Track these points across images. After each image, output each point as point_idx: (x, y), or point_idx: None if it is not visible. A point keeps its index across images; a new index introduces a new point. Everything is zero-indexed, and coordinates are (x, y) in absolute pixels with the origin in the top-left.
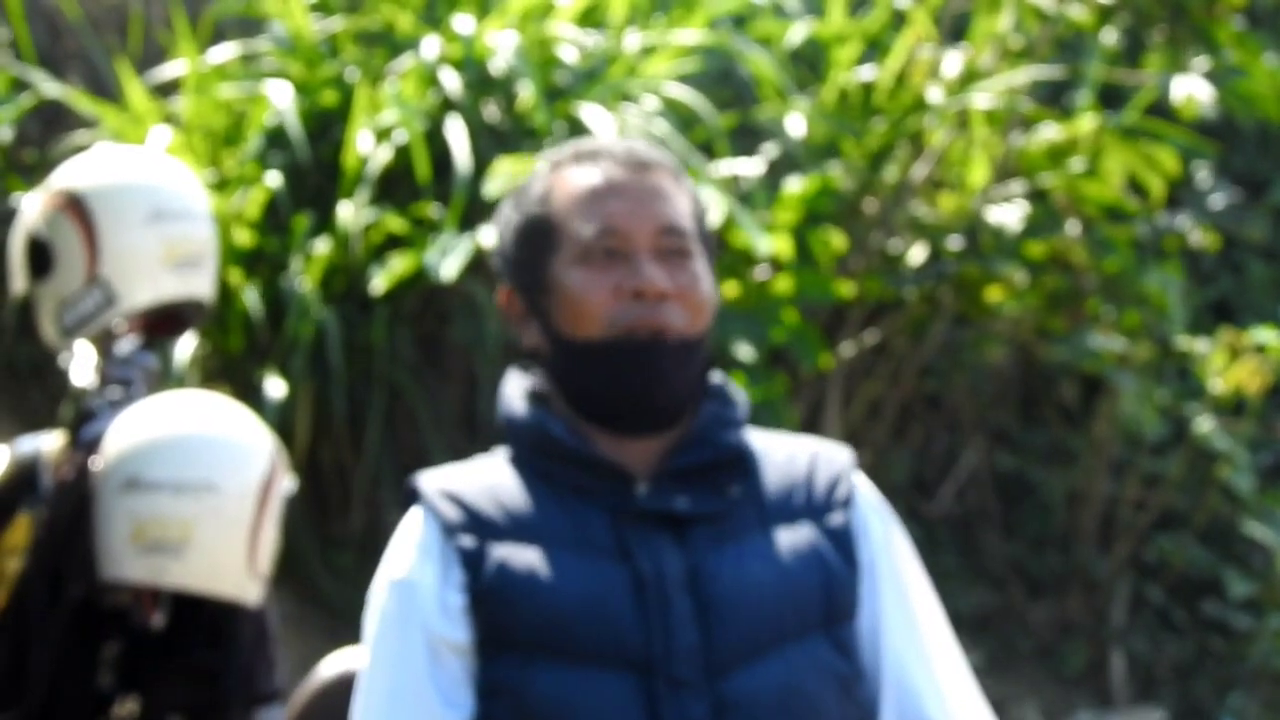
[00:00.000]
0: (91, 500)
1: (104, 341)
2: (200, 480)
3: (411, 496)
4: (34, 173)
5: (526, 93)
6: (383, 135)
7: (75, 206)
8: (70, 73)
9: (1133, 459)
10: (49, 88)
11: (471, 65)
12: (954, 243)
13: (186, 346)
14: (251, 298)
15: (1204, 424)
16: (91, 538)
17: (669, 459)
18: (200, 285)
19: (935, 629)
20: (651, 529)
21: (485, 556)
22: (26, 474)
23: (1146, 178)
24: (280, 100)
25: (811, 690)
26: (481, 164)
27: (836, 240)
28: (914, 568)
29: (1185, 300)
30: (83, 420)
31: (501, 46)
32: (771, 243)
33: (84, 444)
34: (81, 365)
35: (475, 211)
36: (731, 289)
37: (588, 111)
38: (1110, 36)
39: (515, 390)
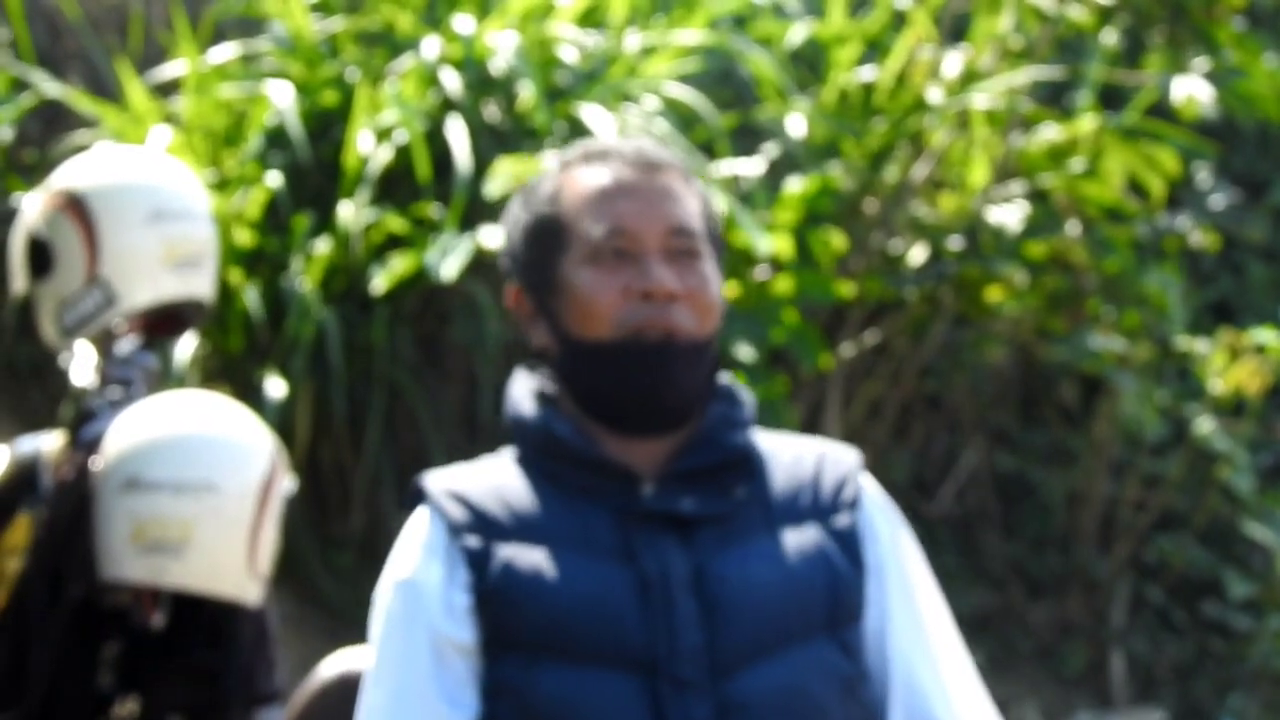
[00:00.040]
0: (91, 500)
1: (104, 341)
2: (200, 480)
3: (417, 496)
4: (34, 173)
5: (527, 93)
6: (383, 135)
7: (75, 206)
8: (70, 73)
9: (1133, 459)
10: (49, 88)
11: (472, 65)
12: (954, 243)
13: (186, 346)
14: (252, 298)
15: (1204, 425)
16: (91, 538)
17: (675, 460)
18: (200, 285)
19: (942, 630)
20: (657, 530)
21: (490, 557)
22: (26, 474)
23: (1147, 178)
24: (281, 100)
25: (815, 691)
26: (482, 164)
27: (837, 240)
28: (921, 569)
29: (1185, 301)
30: (83, 420)
31: (502, 47)
32: (772, 243)
33: (84, 444)
34: (81, 365)
35: (475, 212)
36: (732, 289)
37: (588, 112)
38: (1110, 37)
39: (522, 390)
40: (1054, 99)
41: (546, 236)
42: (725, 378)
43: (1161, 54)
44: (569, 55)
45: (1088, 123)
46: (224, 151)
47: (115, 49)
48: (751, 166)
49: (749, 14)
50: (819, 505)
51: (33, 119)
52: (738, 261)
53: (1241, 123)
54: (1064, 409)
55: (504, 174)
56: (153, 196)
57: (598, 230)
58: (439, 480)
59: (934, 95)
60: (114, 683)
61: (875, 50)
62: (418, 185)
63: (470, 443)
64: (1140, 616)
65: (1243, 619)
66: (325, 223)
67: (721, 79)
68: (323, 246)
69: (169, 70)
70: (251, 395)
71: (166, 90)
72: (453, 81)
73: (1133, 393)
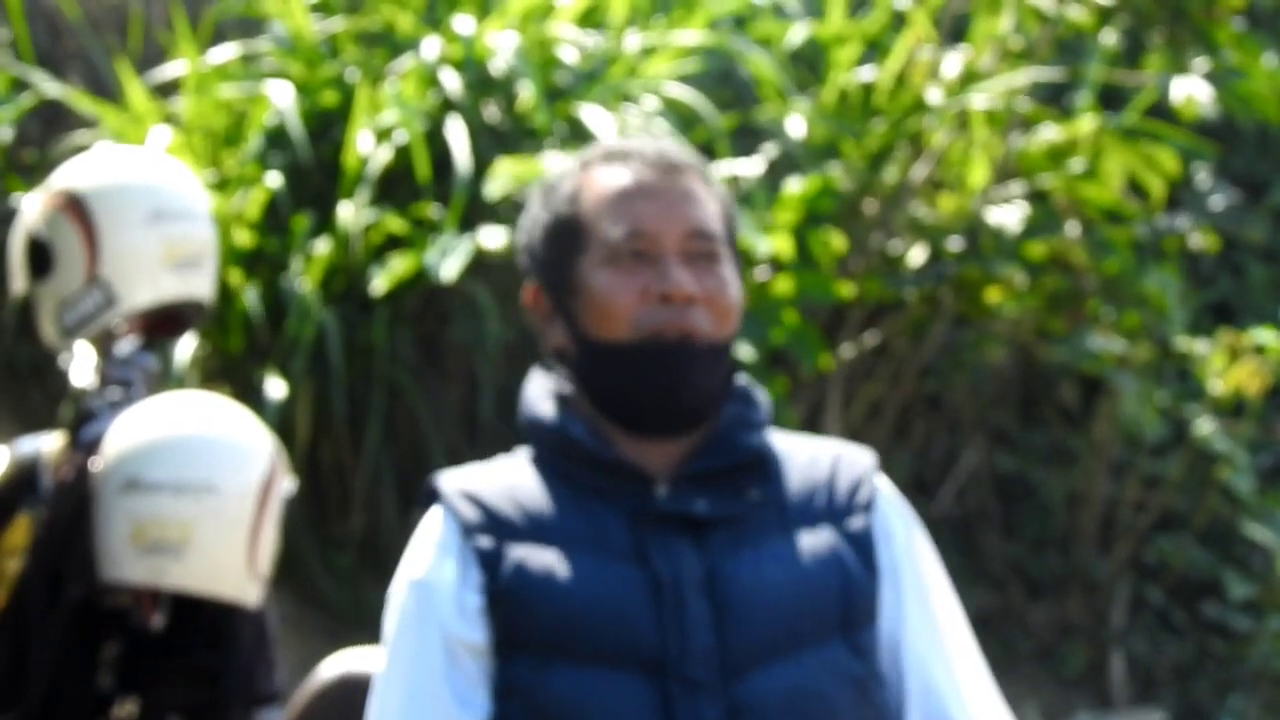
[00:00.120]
0: (91, 501)
1: (104, 342)
2: (200, 481)
3: (431, 496)
4: (34, 173)
5: (527, 93)
6: (383, 135)
7: (75, 207)
8: (70, 73)
9: (1133, 460)
10: (49, 88)
11: (472, 66)
12: (954, 244)
13: (186, 347)
14: (251, 298)
15: (1204, 425)
16: (91, 538)
17: (689, 461)
18: (200, 285)
19: (956, 631)
20: (670, 531)
21: (503, 557)
22: (26, 474)
23: (1146, 179)
24: (281, 100)
25: (827, 693)
26: (482, 164)
27: (836, 241)
28: (936, 570)
29: (1185, 301)
30: (83, 421)
31: (502, 47)
32: (771, 243)
33: (84, 445)
34: (81, 366)
35: (475, 212)
36: None
37: (588, 112)
38: (1110, 38)
39: (538, 390)
40: (1054, 99)
41: (565, 236)
42: (742, 379)
43: (1161, 54)
44: (569, 55)
45: (1087, 123)
46: (224, 152)
47: (115, 49)
48: (751, 167)
49: (749, 14)
50: (833, 507)
51: (33, 119)
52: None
53: (1241, 123)
54: (1064, 409)
55: (504, 174)
56: (153, 197)
57: (617, 231)
58: (452, 480)
59: (933, 96)
60: (114, 683)
61: (875, 51)
62: (417, 185)
63: (470, 443)
64: (1140, 617)
65: (1243, 620)
66: (325, 223)
67: (721, 79)
68: (322, 247)
69: (169, 70)
70: (251, 396)
71: (166, 90)
72: (453, 82)
73: (1133, 393)
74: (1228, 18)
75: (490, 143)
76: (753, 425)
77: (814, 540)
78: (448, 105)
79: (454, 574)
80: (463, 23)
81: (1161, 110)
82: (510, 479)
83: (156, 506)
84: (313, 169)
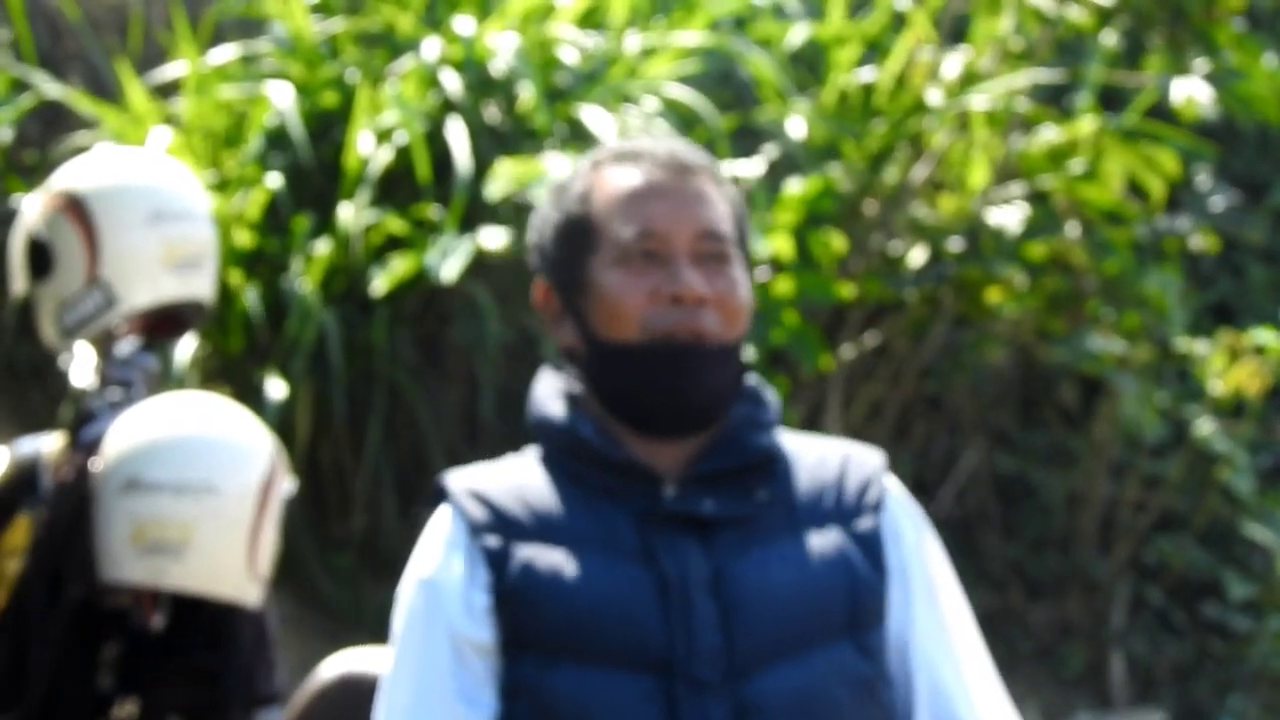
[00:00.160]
0: (91, 501)
1: (104, 343)
2: (200, 482)
3: (440, 495)
4: (34, 174)
5: (527, 94)
6: (383, 136)
7: (75, 208)
8: (71, 73)
9: (1133, 461)
10: (49, 88)
11: (472, 66)
12: (954, 244)
13: (186, 348)
14: (252, 299)
15: (1204, 426)
16: (91, 539)
17: (698, 462)
18: (200, 286)
19: (965, 632)
20: (678, 532)
21: (510, 557)
22: (26, 475)
23: (1147, 180)
24: (281, 101)
25: (833, 694)
26: (482, 165)
27: (837, 242)
28: (945, 570)
29: (1185, 302)
30: (83, 421)
31: (502, 48)
32: (772, 244)
33: (84, 445)
34: (81, 366)
35: (476, 213)
36: None
37: (588, 113)
38: (1110, 38)
39: (547, 390)
40: (1054, 100)
41: (576, 236)
42: (752, 378)
43: (1161, 55)
44: (569, 56)
45: (1087, 124)
46: (224, 152)
47: (115, 50)
48: (751, 168)
49: (749, 15)
50: (842, 508)
51: (33, 120)
52: None
53: (1241, 124)
54: (1064, 410)
55: (504, 175)
56: (153, 198)
57: (628, 232)
58: (461, 479)
59: (934, 97)
60: (114, 684)
61: (875, 52)
62: (418, 186)
63: (470, 443)
64: (1140, 617)
65: (1242, 620)
66: (325, 224)
67: (721, 80)
68: (323, 247)
69: (169, 71)
70: (251, 396)
71: (166, 91)
72: (453, 83)
73: (1133, 394)
74: (1228, 19)
75: (490, 143)
76: (762, 425)
77: (822, 541)
78: (448, 106)
79: (461, 573)
80: (463, 23)
81: (1162, 111)
82: (518, 478)
83: (156, 507)
84: (313, 170)
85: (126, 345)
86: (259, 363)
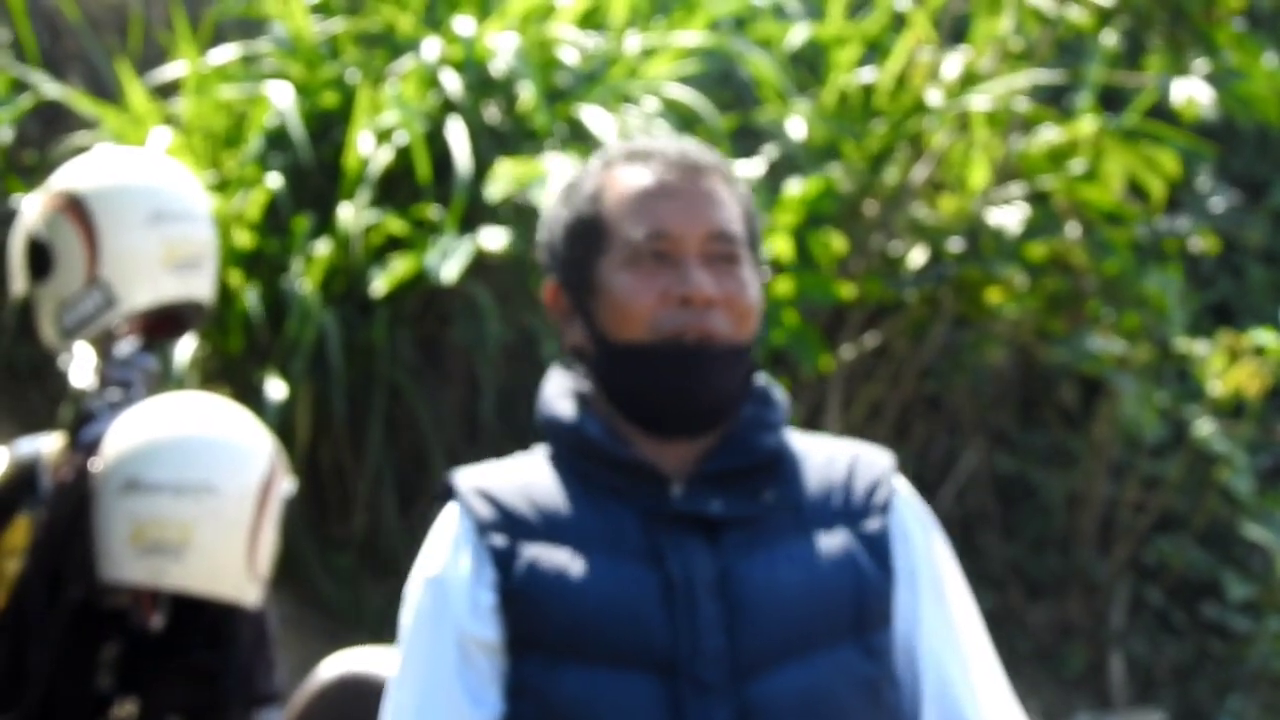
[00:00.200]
0: (91, 502)
1: (104, 343)
2: (200, 482)
3: (447, 493)
4: (34, 174)
5: (527, 94)
6: (383, 137)
7: (75, 208)
8: (70, 74)
9: (1132, 461)
10: (49, 89)
11: (472, 67)
12: (954, 245)
13: (186, 348)
14: (252, 299)
15: (1203, 426)
16: (91, 539)
17: (705, 462)
18: (200, 287)
19: (973, 633)
20: (684, 532)
21: (516, 556)
22: (26, 475)
23: (1147, 180)
24: (281, 101)
25: (839, 695)
26: (482, 166)
27: (837, 242)
28: (953, 571)
29: (1185, 303)
30: (82, 422)
31: (502, 48)
32: (772, 245)
33: (83, 445)
34: (81, 367)
35: (476, 213)
36: None
37: (588, 113)
38: (1110, 39)
39: (556, 389)
40: (1054, 101)
41: (586, 236)
42: (761, 378)
43: (1161, 56)
44: (569, 57)
45: (1088, 124)
46: (224, 153)
47: (115, 50)
48: (751, 168)
49: (749, 16)
50: (850, 509)
51: (33, 120)
52: None
53: (1241, 125)
54: (1064, 410)
55: (504, 176)
56: (153, 198)
57: (638, 232)
58: (468, 477)
59: (934, 97)
60: (113, 684)
61: (875, 52)
62: (418, 187)
63: (470, 444)
64: (1140, 618)
65: (1242, 620)
66: (325, 224)
67: (721, 80)
68: (323, 248)
69: (169, 71)
70: (251, 397)
71: (166, 91)
72: (453, 83)
73: (1132, 394)
74: (1228, 19)
75: (491, 144)
76: (769, 426)
77: (829, 542)
78: (448, 106)
79: (468, 571)
80: (463, 24)
81: (1162, 111)
82: (526, 477)
83: (156, 507)
84: (313, 170)
85: (126, 345)
86: (259, 363)
